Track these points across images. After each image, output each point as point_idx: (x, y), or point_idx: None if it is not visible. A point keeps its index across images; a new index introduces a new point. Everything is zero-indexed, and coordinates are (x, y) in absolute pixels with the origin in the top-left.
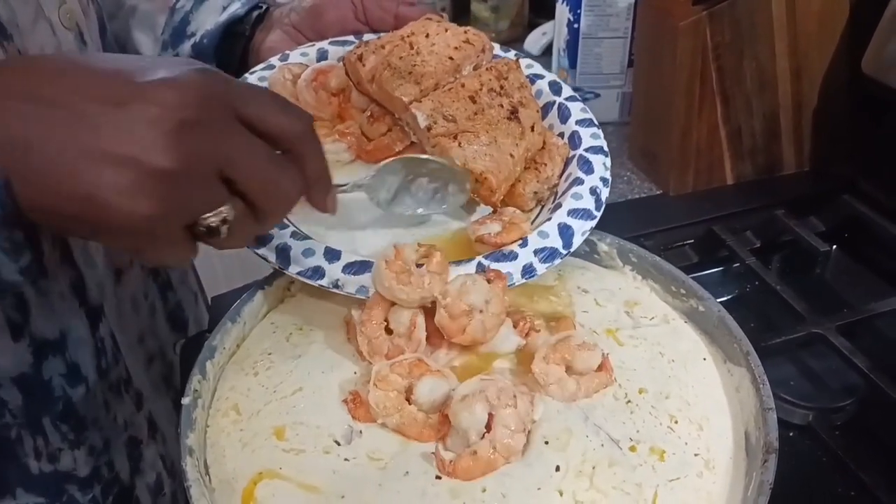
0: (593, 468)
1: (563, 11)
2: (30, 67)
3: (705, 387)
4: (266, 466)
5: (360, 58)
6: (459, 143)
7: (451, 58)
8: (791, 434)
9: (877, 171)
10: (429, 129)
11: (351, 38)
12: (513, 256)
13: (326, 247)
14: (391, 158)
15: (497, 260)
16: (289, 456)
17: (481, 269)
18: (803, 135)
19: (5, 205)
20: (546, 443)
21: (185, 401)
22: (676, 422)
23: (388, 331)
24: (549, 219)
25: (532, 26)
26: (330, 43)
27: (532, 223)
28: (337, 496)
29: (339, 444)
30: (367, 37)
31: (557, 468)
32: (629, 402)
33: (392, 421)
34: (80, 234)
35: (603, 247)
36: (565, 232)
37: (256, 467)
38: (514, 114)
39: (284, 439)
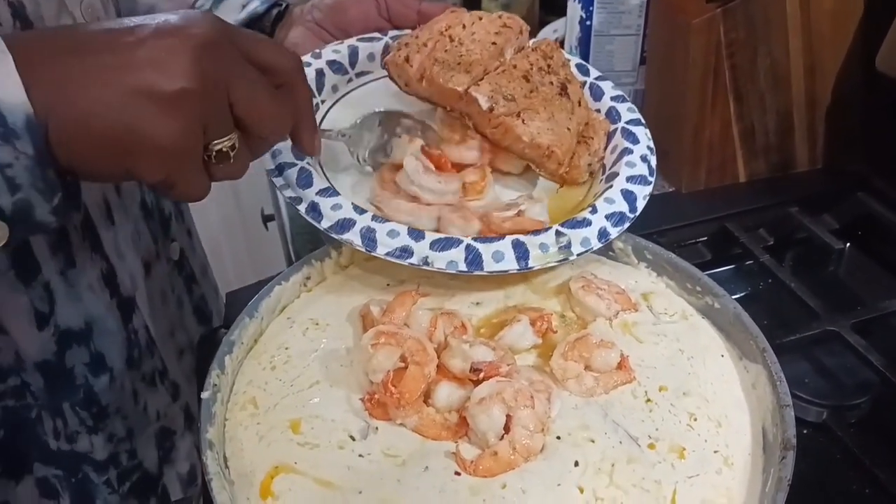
0: (612, 465)
1: (574, 9)
2: (60, 30)
3: (724, 383)
4: (281, 460)
5: (407, 59)
6: (523, 121)
7: (493, 42)
8: (806, 431)
9: (891, 168)
10: (491, 109)
11: (377, 34)
12: (587, 223)
13: (409, 227)
14: (372, 112)
15: (573, 227)
16: (303, 450)
17: (559, 236)
18: (817, 132)
19: (39, 143)
20: (558, 438)
21: (205, 395)
22: (696, 419)
23: None
24: (611, 186)
25: (542, 24)
26: (358, 40)
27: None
28: (354, 491)
29: (353, 439)
30: (391, 33)
31: (576, 463)
32: (649, 400)
33: (411, 422)
34: (115, 172)
35: (618, 244)
36: (628, 197)
37: (272, 461)
38: (564, 90)
39: (300, 433)
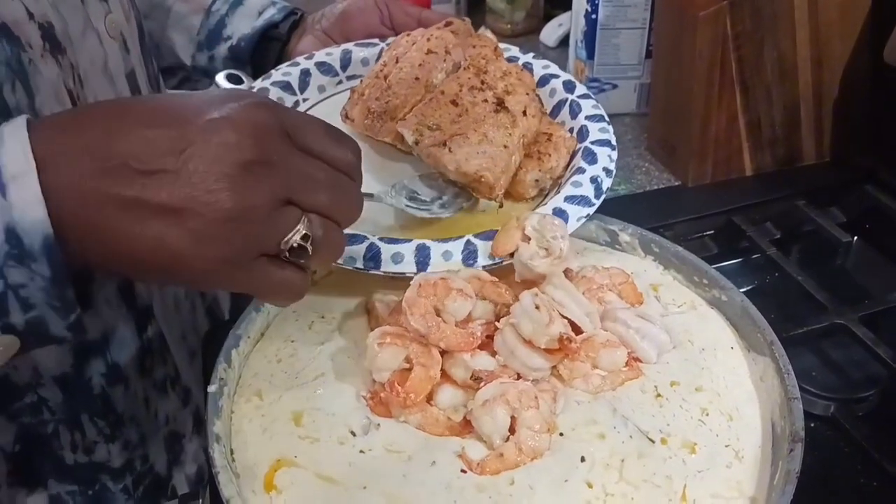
0: (622, 461)
1: (580, 2)
2: (86, 125)
3: (735, 376)
4: (283, 453)
5: (347, 115)
6: (450, 149)
7: (416, 78)
8: (813, 425)
9: None
10: (416, 143)
11: (376, 40)
12: None
13: None
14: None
15: (488, 238)
16: (304, 444)
17: (470, 247)
18: (824, 125)
19: (57, 265)
20: (561, 434)
21: (212, 389)
22: (707, 414)
23: None
24: (545, 203)
25: (548, 18)
26: (355, 45)
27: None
28: (358, 487)
29: (354, 434)
30: (389, 39)
31: (583, 459)
32: (659, 395)
33: (414, 419)
34: (163, 283)
35: (625, 237)
36: (560, 216)
37: (274, 454)
38: (500, 104)
39: (301, 425)
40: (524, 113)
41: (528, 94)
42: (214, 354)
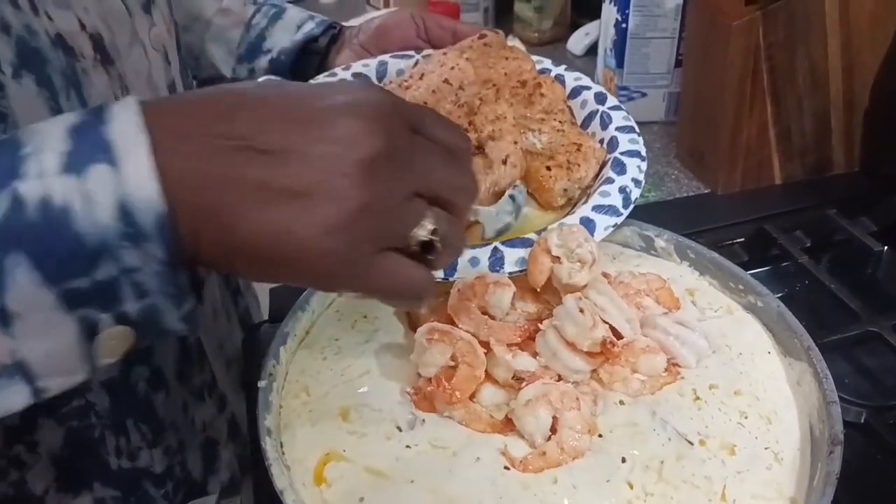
0: (662, 462)
1: (610, 11)
2: (204, 103)
3: (773, 380)
4: (331, 447)
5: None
6: None
7: (425, 102)
8: (846, 432)
9: None
10: None
11: (411, 52)
12: (529, 244)
13: None
14: None
15: (514, 246)
16: (352, 438)
17: (497, 253)
18: (854, 134)
19: (172, 246)
20: (600, 436)
21: (262, 384)
22: (746, 417)
23: None
24: (573, 212)
25: (574, 26)
26: (391, 56)
27: None
28: (405, 481)
29: (400, 429)
30: (424, 52)
31: (623, 460)
32: (697, 398)
33: (458, 415)
34: (275, 279)
35: (660, 243)
36: (587, 225)
37: (323, 448)
38: (479, 148)
39: (349, 421)
40: (504, 162)
41: (515, 142)
42: (253, 353)
